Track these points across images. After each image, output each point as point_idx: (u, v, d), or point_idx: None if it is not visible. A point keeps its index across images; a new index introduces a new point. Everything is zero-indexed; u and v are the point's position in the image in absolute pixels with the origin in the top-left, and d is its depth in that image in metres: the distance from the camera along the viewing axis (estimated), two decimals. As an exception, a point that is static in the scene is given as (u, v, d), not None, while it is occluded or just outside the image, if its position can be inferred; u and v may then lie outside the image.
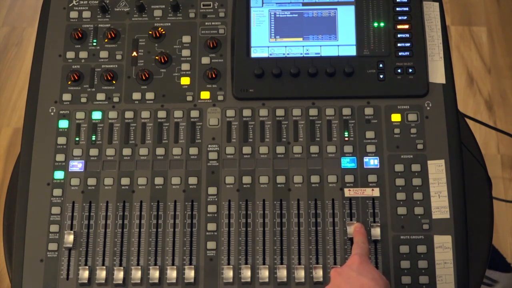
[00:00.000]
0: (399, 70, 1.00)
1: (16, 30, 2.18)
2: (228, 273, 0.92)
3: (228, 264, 0.93)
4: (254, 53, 1.03)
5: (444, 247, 0.92)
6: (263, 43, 1.03)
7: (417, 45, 1.01)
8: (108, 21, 1.05)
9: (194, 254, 0.93)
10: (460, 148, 0.97)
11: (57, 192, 0.96)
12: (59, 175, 0.97)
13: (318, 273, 0.91)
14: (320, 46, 1.03)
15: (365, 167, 0.96)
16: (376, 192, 0.95)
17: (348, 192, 0.95)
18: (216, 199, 0.95)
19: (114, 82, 1.02)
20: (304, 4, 1.05)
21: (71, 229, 0.94)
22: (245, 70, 1.01)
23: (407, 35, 1.02)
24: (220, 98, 1.01)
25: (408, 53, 1.01)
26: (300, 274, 0.91)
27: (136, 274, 0.92)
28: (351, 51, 1.02)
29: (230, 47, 1.03)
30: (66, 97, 1.01)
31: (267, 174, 0.96)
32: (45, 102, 1.01)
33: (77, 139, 0.99)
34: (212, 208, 0.95)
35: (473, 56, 2.09)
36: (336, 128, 0.98)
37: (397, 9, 1.03)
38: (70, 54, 1.04)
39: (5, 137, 1.99)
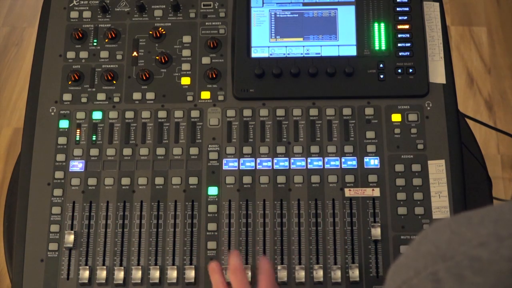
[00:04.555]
0: (399, 70, 1.00)
1: (16, 30, 2.18)
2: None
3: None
4: (255, 53, 1.03)
5: (444, 247, 0.92)
6: (264, 43, 1.03)
7: (418, 45, 1.01)
8: (109, 21, 1.05)
9: (194, 254, 0.93)
10: (460, 148, 0.97)
11: (58, 192, 0.96)
12: (59, 175, 0.97)
13: (319, 273, 0.91)
14: (321, 46, 1.03)
15: (365, 167, 0.96)
16: (376, 192, 0.95)
17: (349, 192, 0.95)
18: (216, 199, 0.95)
19: (114, 82, 1.02)
20: (304, 4, 1.05)
21: (72, 229, 0.94)
22: (245, 70, 1.01)
23: (408, 35, 1.02)
24: (220, 98, 1.01)
25: (408, 53, 1.01)
26: (301, 274, 0.91)
27: (137, 274, 0.92)
28: (352, 51, 1.02)
29: (230, 47, 1.04)
30: (67, 97, 1.01)
31: (268, 174, 0.96)
32: (45, 102, 1.01)
33: (77, 139, 0.99)
34: (212, 208, 0.95)
35: (473, 56, 2.10)
36: (337, 128, 0.99)
37: (398, 9, 1.03)
38: (70, 54, 1.04)
39: (5, 137, 1.99)
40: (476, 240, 0.48)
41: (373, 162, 0.97)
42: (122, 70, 1.03)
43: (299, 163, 0.97)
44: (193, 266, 0.92)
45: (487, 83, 2.04)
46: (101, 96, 1.01)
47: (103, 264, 0.93)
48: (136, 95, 1.01)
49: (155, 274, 0.92)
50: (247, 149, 0.98)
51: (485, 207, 0.51)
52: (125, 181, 0.96)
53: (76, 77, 1.02)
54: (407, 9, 1.03)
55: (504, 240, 0.46)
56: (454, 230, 0.50)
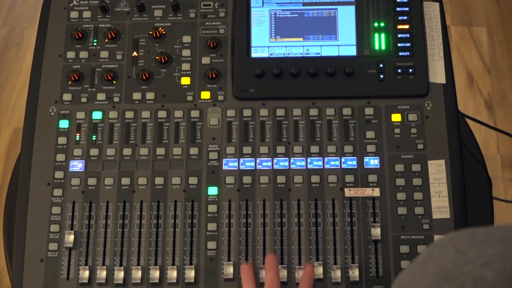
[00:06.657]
0: (399, 70, 1.00)
1: (16, 30, 2.18)
2: (229, 270, 0.92)
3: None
4: (255, 53, 1.03)
5: (444, 247, 0.92)
6: (264, 43, 1.03)
7: (417, 45, 1.01)
8: (109, 21, 1.06)
9: (194, 254, 0.93)
10: (460, 148, 0.97)
11: (58, 192, 0.96)
12: (59, 175, 0.97)
13: (319, 273, 0.91)
14: (321, 46, 1.03)
15: (365, 167, 0.96)
16: (376, 192, 0.95)
17: (349, 192, 0.95)
18: (216, 199, 0.96)
19: (114, 82, 1.02)
20: (304, 4, 1.05)
21: (72, 229, 0.94)
22: (245, 70, 1.01)
23: (408, 35, 1.02)
24: (220, 98, 1.01)
25: (408, 53, 1.01)
26: (301, 274, 0.91)
27: (137, 274, 0.92)
28: (351, 51, 1.02)
29: (230, 47, 1.04)
30: (67, 97, 1.01)
31: (267, 174, 0.96)
32: (45, 102, 1.01)
33: (77, 139, 0.99)
34: (212, 208, 0.95)
35: (473, 56, 2.10)
36: (337, 128, 0.99)
37: (398, 9, 1.03)
38: (70, 54, 1.04)
39: (5, 137, 1.99)
40: (480, 260, 0.47)
41: (373, 162, 0.97)
42: (122, 70, 1.03)
43: (299, 163, 0.97)
44: (193, 266, 0.92)
45: (487, 83, 2.04)
46: (101, 96, 1.01)
47: (103, 264, 0.93)
48: (136, 95, 1.01)
49: (155, 274, 0.92)
50: (247, 149, 0.98)
51: (488, 226, 0.50)
52: (125, 181, 0.96)
53: (76, 77, 1.02)
54: (407, 9, 1.03)
55: (508, 260, 0.45)
56: (458, 248, 0.49)
